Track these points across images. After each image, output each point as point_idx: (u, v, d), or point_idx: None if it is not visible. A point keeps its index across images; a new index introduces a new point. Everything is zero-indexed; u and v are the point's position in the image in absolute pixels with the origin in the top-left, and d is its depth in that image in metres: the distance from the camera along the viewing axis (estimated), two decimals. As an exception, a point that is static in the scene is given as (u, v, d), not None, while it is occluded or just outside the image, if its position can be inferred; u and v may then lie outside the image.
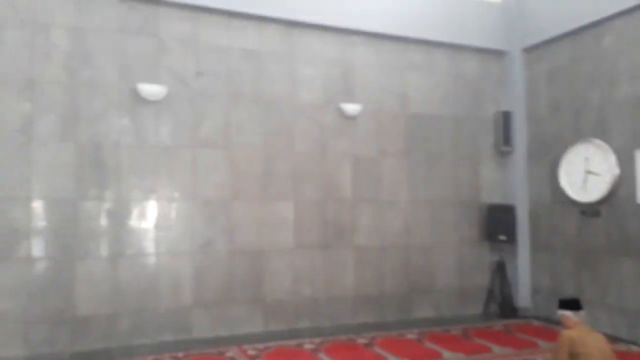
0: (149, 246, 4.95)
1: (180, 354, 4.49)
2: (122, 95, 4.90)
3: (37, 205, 4.59)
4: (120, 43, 4.91)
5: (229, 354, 4.54)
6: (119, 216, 4.86)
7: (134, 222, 4.91)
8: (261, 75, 5.46)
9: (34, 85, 4.62)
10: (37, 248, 4.57)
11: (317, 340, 4.97)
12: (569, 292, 5.61)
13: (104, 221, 4.81)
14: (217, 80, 5.27)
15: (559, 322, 3.58)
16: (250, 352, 4.57)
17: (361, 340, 4.99)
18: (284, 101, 5.55)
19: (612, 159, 5.25)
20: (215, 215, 5.20)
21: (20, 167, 4.55)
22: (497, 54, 6.60)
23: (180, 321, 4.99)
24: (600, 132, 5.46)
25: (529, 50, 6.43)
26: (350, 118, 5.79)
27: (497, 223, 6.24)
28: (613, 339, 4.69)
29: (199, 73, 5.18)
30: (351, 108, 5.77)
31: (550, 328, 5.47)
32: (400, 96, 6.11)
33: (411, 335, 5.22)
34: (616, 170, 5.21)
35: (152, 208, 4.98)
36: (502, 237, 6.21)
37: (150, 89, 4.94)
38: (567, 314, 3.34)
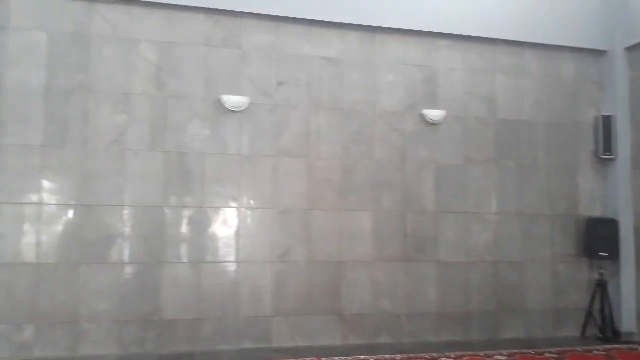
0: (230, 254, 5.03)
1: (260, 363, 4.51)
2: (206, 107, 5.05)
3: (129, 212, 4.83)
4: (205, 56, 5.07)
5: (308, 365, 4.49)
6: (203, 223, 4.99)
7: (216, 229, 5.02)
8: (341, 83, 5.40)
9: (128, 98, 4.88)
10: (128, 253, 4.80)
11: (398, 357, 4.77)
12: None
13: (188, 228, 4.96)
14: (298, 90, 5.28)
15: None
16: (329, 365, 4.49)
17: (445, 359, 4.73)
18: (364, 109, 5.44)
19: None
20: (294, 225, 5.19)
21: (115, 176, 4.82)
22: (596, 54, 6.06)
23: (261, 330, 5.01)
24: None
25: (633, 49, 5.84)
26: (433, 125, 5.56)
27: (598, 238, 5.69)
28: None
29: (279, 83, 5.22)
30: (434, 114, 5.54)
31: (661, 358, 4.88)
32: (488, 101, 5.78)
33: (500, 356, 4.87)
34: None
35: (233, 216, 5.07)
36: (603, 254, 5.66)
37: (234, 100, 5.05)
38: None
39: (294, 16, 5.20)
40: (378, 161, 5.44)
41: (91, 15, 4.83)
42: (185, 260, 4.92)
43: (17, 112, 4.65)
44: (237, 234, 5.07)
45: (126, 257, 4.79)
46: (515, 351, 5.03)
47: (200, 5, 4.97)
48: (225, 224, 5.05)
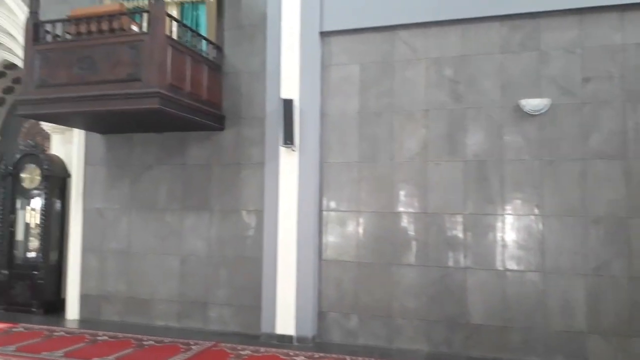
0: (535, 263, 4.85)
1: (579, 382, 4.18)
2: (504, 113, 5.03)
3: (432, 219, 5.17)
4: (501, 63, 5.06)
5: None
6: (504, 230, 4.96)
7: (518, 237, 4.93)
8: (666, 69, 4.63)
9: (428, 113, 5.27)
10: (433, 256, 5.13)
11: None
12: None
13: (489, 235, 5.01)
14: (609, 84, 4.75)
15: None
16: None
17: None
18: (701, 96, 4.53)
19: None
20: (611, 235, 4.66)
21: (419, 186, 5.24)
22: None
23: (574, 345, 4.66)
24: None
25: None
26: None
27: None
28: None
29: (585, 79, 4.81)
30: None
31: None
32: None
33: None
34: None
35: (536, 224, 4.88)
36: None
37: (533, 103, 4.89)
38: None
39: (602, 4, 4.73)
40: None
41: (394, 42, 5.42)
42: (487, 266, 4.98)
43: (338, 135, 5.56)
44: (541, 242, 4.86)
45: (431, 260, 5.14)
46: None
47: (495, 14, 5.01)
48: (528, 232, 4.91)
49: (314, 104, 5.52)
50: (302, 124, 5.45)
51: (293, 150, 5.43)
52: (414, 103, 5.32)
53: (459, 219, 5.10)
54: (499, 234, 4.99)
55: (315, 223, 5.46)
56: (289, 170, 5.47)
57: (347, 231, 5.45)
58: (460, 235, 5.09)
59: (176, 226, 6.10)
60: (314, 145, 5.49)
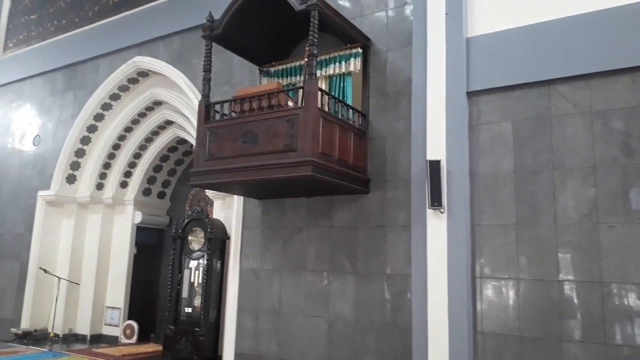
0: None
1: None
2: (694, 167, 4.36)
3: (607, 289, 4.53)
4: (685, 110, 4.46)
5: None
6: None
7: None
8: None
9: (596, 170, 4.76)
10: (617, 333, 4.44)
11: None
12: None
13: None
14: None
15: None
16: None
17: None
18: None
19: None
20: None
21: (590, 250, 4.67)
22: None
23: None
24: None
25: None
26: None
27: None
28: None
29: None
30: None
31: None
32: None
33: None
34: None
35: None
36: None
37: None
38: None
39: None
40: None
41: (550, 97, 5.09)
42: (687, 350, 4.17)
43: (491, 195, 5.26)
44: None
45: (610, 337, 4.45)
46: None
47: (674, 58, 4.50)
48: None
49: (462, 165, 5.33)
50: (450, 185, 5.28)
51: (441, 212, 5.26)
52: (578, 159, 4.86)
53: (645, 290, 4.41)
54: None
55: (468, 291, 5.12)
56: (437, 233, 5.27)
57: (505, 301, 5.01)
58: (650, 310, 4.37)
59: (323, 288, 6.19)
60: (464, 207, 5.25)
